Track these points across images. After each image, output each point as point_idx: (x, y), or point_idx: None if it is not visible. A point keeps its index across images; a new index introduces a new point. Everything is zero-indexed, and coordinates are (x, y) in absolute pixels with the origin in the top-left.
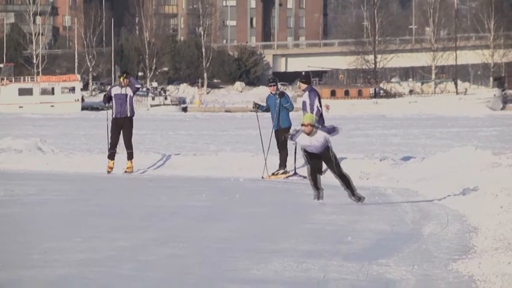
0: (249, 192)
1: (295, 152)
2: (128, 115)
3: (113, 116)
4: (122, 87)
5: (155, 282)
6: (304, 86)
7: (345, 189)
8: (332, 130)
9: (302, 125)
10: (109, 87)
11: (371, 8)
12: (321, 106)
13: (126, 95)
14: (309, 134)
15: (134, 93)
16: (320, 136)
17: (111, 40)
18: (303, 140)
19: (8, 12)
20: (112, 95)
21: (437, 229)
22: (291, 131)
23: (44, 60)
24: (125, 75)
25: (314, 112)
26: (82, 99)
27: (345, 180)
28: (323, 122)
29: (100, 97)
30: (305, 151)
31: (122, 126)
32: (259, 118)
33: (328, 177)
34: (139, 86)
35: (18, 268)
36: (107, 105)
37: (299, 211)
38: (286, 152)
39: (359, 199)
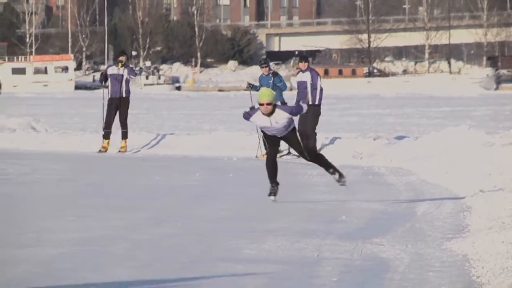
0: (243, 172)
1: None
2: (124, 95)
3: (109, 95)
4: (119, 67)
5: (148, 261)
6: (305, 65)
7: (331, 173)
8: (295, 110)
9: (260, 104)
10: (106, 66)
11: None
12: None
13: (122, 75)
14: (267, 114)
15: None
16: (280, 117)
17: (104, 19)
18: (260, 120)
19: None
20: (108, 74)
21: (431, 208)
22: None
23: (38, 39)
24: (124, 61)
25: (318, 92)
26: (93, 79)
27: (323, 160)
28: (320, 100)
29: (92, 77)
30: (263, 133)
31: (117, 106)
32: (253, 97)
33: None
34: (133, 77)
35: (11, 247)
36: (103, 83)
37: (293, 190)
38: None
39: (341, 175)
